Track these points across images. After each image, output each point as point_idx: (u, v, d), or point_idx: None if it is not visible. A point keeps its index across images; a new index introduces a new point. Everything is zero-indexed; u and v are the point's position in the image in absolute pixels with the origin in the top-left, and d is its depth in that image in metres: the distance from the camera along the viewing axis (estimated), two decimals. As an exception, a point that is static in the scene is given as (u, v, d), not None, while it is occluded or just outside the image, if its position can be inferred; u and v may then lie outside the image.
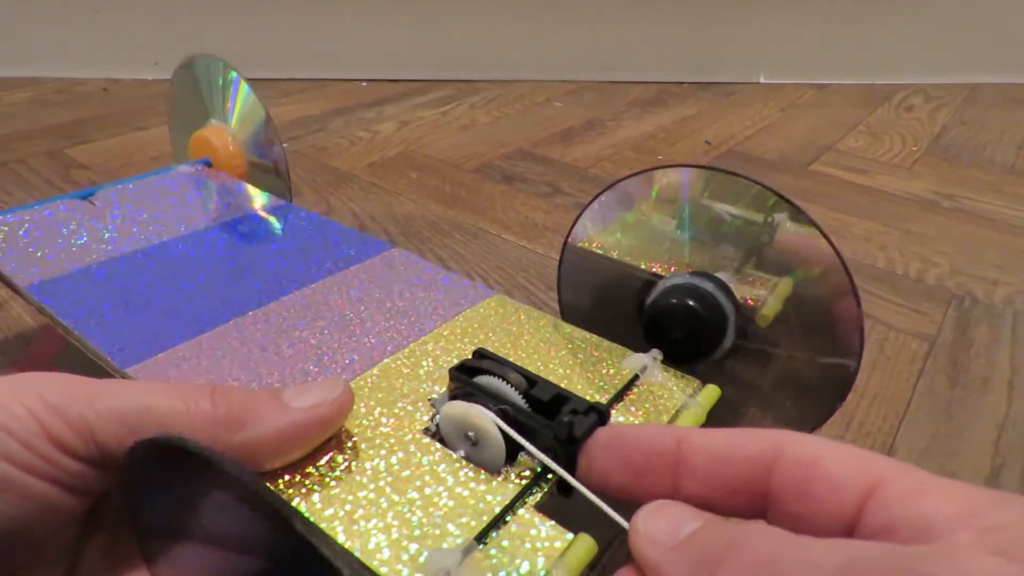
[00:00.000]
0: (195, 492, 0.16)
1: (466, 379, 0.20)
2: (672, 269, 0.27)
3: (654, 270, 0.27)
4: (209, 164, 0.42)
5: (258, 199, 0.37)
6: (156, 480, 0.16)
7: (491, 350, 0.24)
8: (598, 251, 0.29)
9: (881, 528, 0.14)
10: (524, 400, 0.20)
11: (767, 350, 0.26)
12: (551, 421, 0.19)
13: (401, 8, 0.90)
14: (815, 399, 0.26)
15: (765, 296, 0.25)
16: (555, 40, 0.93)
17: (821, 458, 0.15)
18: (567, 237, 0.29)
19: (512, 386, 0.20)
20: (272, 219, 0.35)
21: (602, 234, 0.29)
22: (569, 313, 0.31)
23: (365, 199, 0.57)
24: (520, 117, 0.79)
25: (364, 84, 0.89)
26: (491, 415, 0.19)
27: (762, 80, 0.94)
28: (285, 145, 0.40)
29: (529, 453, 0.18)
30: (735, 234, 0.26)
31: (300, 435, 0.18)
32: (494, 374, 0.20)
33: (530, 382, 0.20)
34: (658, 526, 0.15)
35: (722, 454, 0.16)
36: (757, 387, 0.27)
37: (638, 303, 0.27)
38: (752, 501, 0.16)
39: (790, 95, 0.88)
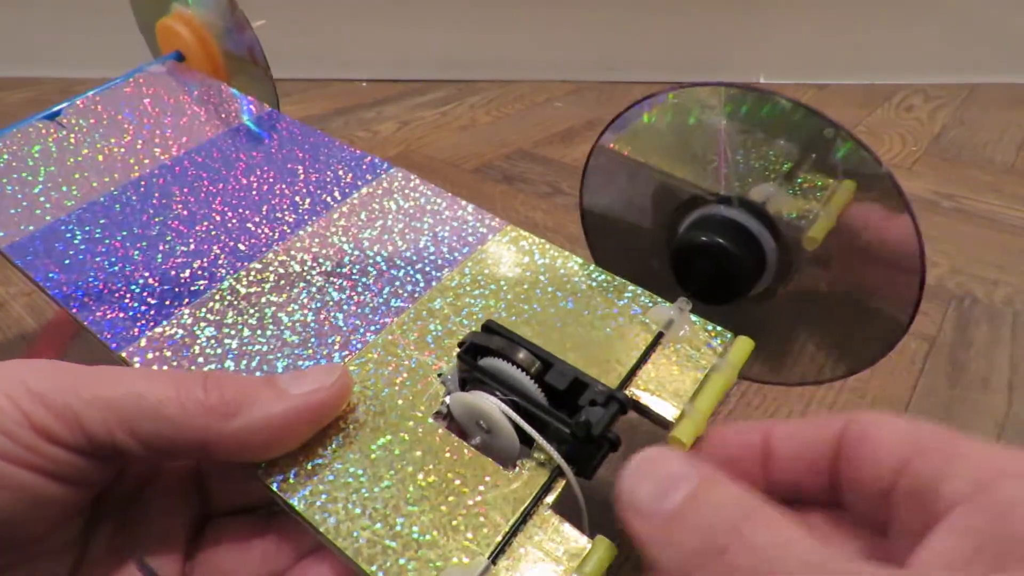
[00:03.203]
0: None
1: (475, 364, 0.19)
2: (709, 180, 0.23)
3: (690, 180, 0.24)
4: (181, 58, 0.37)
5: (241, 108, 0.33)
6: None
7: (503, 306, 0.22)
8: (630, 156, 0.25)
9: (911, 487, 0.14)
10: (538, 386, 0.18)
11: (815, 277, 0.23)
12: (568, 408, 0.18)
13: (401, 8, 0.90)
14: (873, 325, 0.23)
15: (816, 211, 0.22)
16: (555, 40, 0.93)
17: (873, 428, 0.15)
18: (598, 139, 0.26)
19: (524, 370, 0.18)
20: (258, 135, 0.31)
21: (635, 131, 0.25)
22: (592, 223, 0.28)
23: (365, 199, 0.57)
24: (520, 117, 0.79)
25: (364, 84, 0.89)
26: (502, 406, 0.17)
27: (762, 80, 0.94)
28: (261, 22, 0.37)
29: (546, 451, 0.17)
30: (792, 125, 0.22)
31: (296, 422, 0.17)
32: (504, 356, 0.19)
33: (544, 363, 0.19)
34: (644, 492, 0.14)
35: (804, 438, 0.17)
36: (806, 313, 0.24)
37: (668, 227, 0.24)
38: (832, 481, 0.16)
39: (790, 95, 0.88)
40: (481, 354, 0.19)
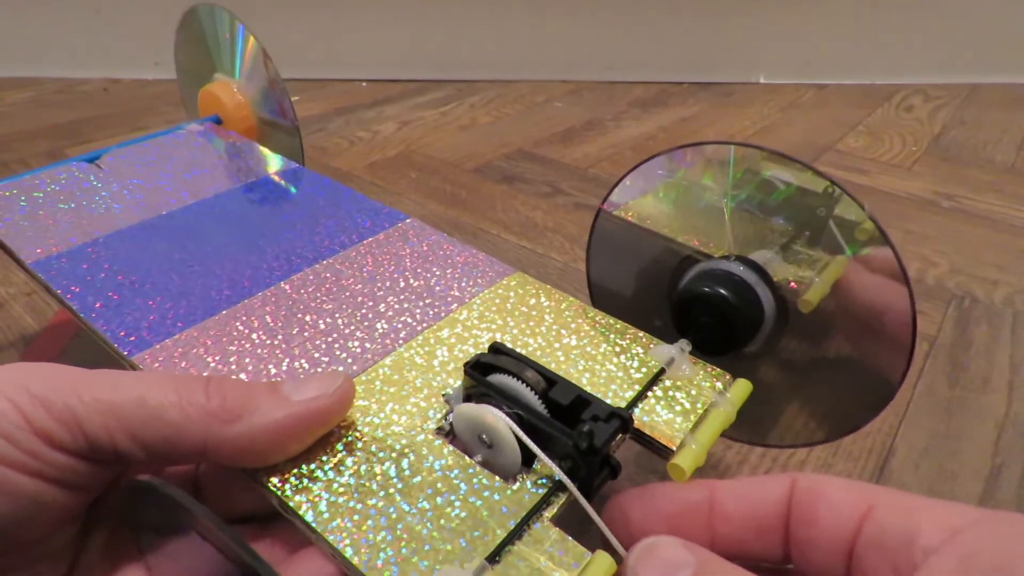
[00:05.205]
0: (178, 528, 0.16)
1: (481, 378, 0.19)
2: (711, 246, 0.25)
3: (690, 248, 0.25)
4: (218, 121, 0.40)
5: (269, 162, 0.36)
6: (146, 509, 0.17)
7: (509, 339, 0.23)
8: (633, 221, 0.27)
9: (874, 540, 0.15)
10: (542, 402, 0.19)
11: (808, 340, 0.24)
12: (570, 427, 0.18)
13: (401, 8, 0.90)
14: (852, 401, 0.24)
15: (812, 278, 0.23)
16: (555, 40, 0.93)
17: (825, 487, 0.16)
18: (602, 203, 0.27)
19: (529, 387, 0.19)
20: (283, 185, 0.33)
21: (639, 204, 0.27)
22: (598, 286, 0.29)
23: (365, 199, 0.57)
24: (520, 117, 0.79)
25: (364, 84, 0.89)
26: (505, 419, 0.18)
27: (762, 80, 0.94)
28: (296, 98, 0.40)
29: (547, 465, 0.17)
30: (788, 205, 0.24)
31: (298, 428, 0.17)
32: (510, 372, 0.19)
33: (549, 382, 0.19)
34: (648, 573, 0.15)
35: (750, 497, 0.17)
36: (794, 378, 0.25)
37: (670, 284, 0.26)
38: (782, 539, 0.17)
39: (790, 95, 0.88)
40: (488, 372, 0.20)
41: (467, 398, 0.20)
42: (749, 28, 0.92)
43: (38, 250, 0.27)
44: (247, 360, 0.22)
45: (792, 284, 0.23)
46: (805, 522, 0.16)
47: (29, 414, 0.15)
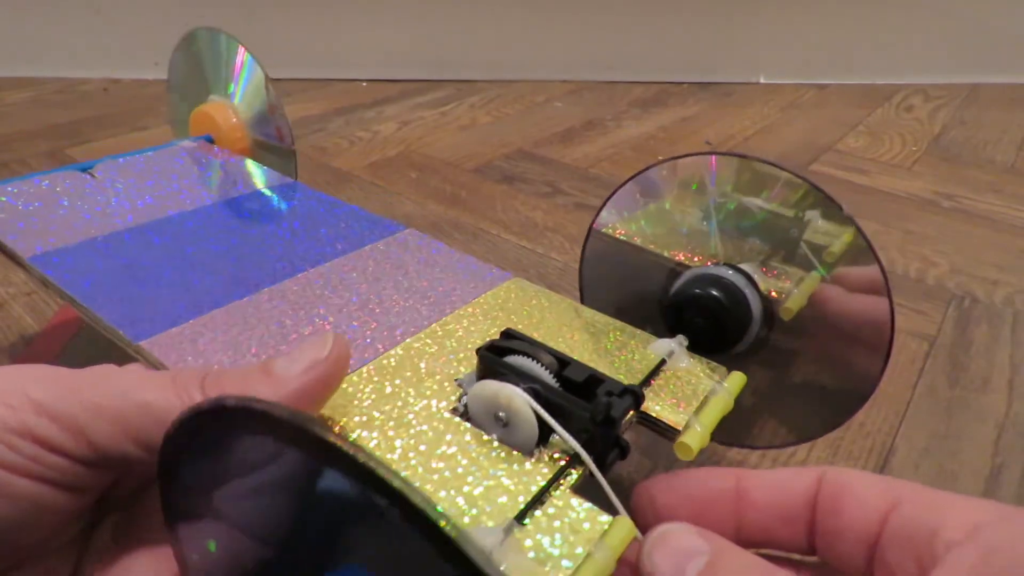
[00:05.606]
0: (235, 463, 0.13)
1: (496, 359, 0.20)
2: (696, 259, 0.27)
3: (679, 259, 0.27)
4: (211, 141, 0.41)
5: (265, 177, 0.36)
6: (198, 450, 0.14)
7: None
8: (622, 238, 0.28)
9: (899, 533, 0.15)
10: (556, 381, 0.19)
11: (788, 346, 0.26)
12: (586, 403, 0.18)
13: (401, 8, 0.90)
14: (829, 405, 0.26)
15: (790, 289, 0.25)
16: (555, 40, 0.93)
17: (853, 480, 0.17)
18: (592, 223, 0.29)
19: (544, 367, 0.19)
20: (281, 197, 0.34)
21: (627, 221, 0.28)
22: (590, 300, 0.30)
23: (365, 199, 0.57)
24: (520, 117, 0.79)
25: (364, 84, 0.89)
26: (523, 394, 0.18)
27: (762, 80, 0.94)
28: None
29: (561, 437, 0.18)
30: (763, 227, 0.26)
31: (301, 404, 0.17)
32: (525, 354, 0.20)
33: (562, 363, 0.20)
34: (664, 565, 0.16)
35: (778, 487, 0.18)
36: (774, 384, 0.26)
37: (661, 292, 0.27)
38: (808, 529, 0.17)
39: (790, 95, 0.88)
40: (502, 355, 0.20)
41: (482, 379, 0.20)
42: (749, 28, 0.92)
43: (37, 248, 0.27)
44: (255, 350, 0.22)
45: (772, 293, 0.25)
46: (832, 513, 0.17)
47: (30, 420, 0.15)
